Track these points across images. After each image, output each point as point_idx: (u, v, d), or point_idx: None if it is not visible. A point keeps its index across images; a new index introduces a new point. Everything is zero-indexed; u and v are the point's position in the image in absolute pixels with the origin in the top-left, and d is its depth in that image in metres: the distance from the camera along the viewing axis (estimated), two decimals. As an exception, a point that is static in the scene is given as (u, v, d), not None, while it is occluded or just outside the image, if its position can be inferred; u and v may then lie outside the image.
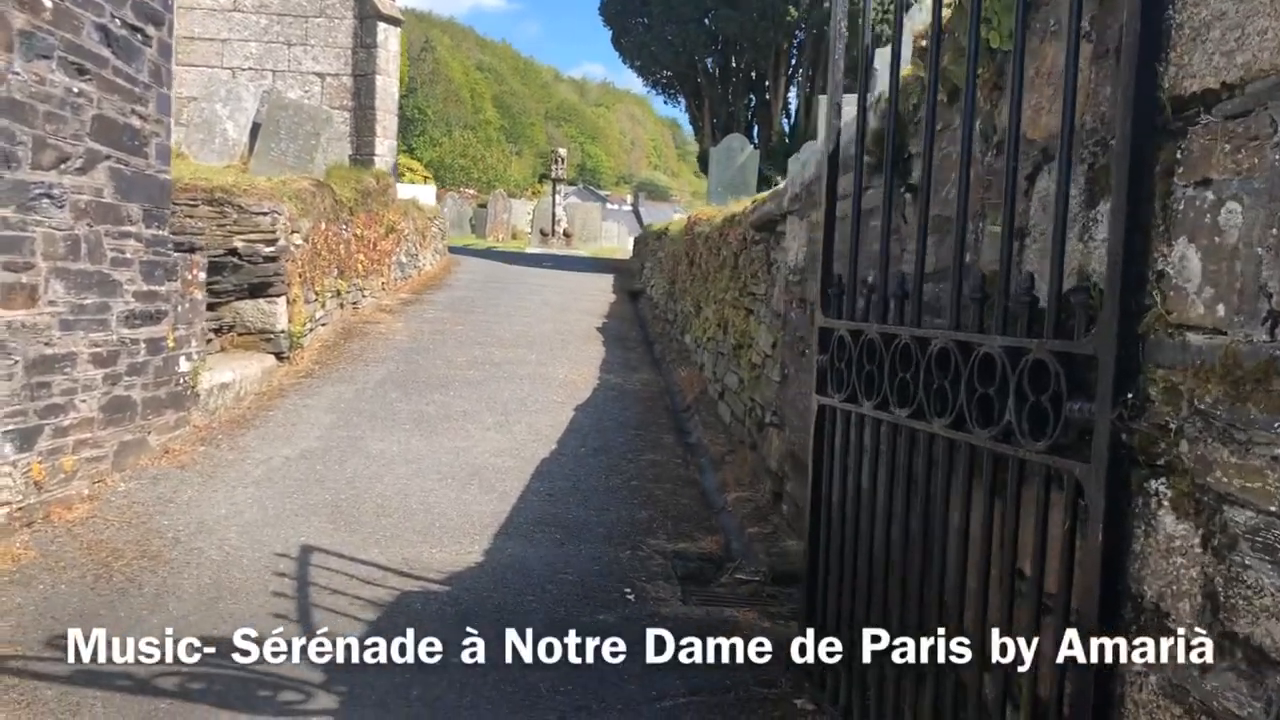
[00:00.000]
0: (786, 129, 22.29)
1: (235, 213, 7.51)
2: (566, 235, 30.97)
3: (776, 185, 20.24)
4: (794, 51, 21.95)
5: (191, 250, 5.82)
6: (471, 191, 57.63)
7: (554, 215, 30.73)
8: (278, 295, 7.67)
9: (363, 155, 21.24)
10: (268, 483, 4.97)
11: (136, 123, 4.98)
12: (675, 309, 11.61)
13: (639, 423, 6.94)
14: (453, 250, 21.10)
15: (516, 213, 38.72)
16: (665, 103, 24.80)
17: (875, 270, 2.91)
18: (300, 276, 8.34)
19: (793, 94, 22.36)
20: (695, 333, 9.32)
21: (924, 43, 3.13)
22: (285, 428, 6.09)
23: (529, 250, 29.67)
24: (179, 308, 5.65)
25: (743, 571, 4.29)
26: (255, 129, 15.86)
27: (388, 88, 21.36)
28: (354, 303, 10.72)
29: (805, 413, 4.68)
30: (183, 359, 5.70)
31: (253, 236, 7.55)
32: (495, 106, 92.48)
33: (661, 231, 15.57)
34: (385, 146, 21.69)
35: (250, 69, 20.61)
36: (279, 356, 7.73)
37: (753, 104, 22.58)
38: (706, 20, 21.11)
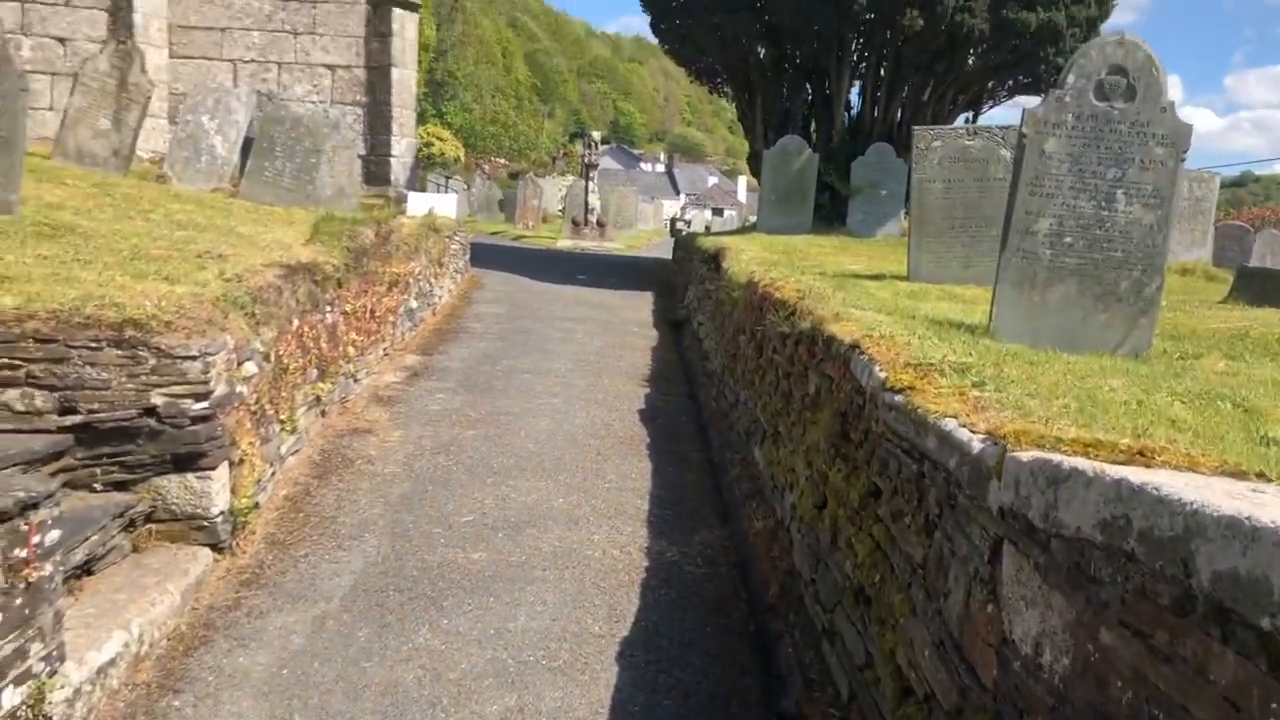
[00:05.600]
0: (848, 125, 19.78)
1: (153, 357, 5.40)
2: (600, 225, 29.04)
3: (840, 193, 17.66)
4: (856, 39, 19.43)
5: (32, 507, 3.73)
6: (503, 161, 56.28)
7: (586, 204, 28.88)
8: (212, 467, 5.58)
9: (377, 156, 19.15)
10: None
11: None
12: (736, 394, 9.42)
13: (709, 694, 4.80)
14: (476, 250, 18.91)
15: (547, 196, 36.98)
16: (710, 92, 22.30)
17: None
18: (254, 416, 6.25)
19: (855, 87, 19.83)
20: (772, 465, 7.14)
21: None
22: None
23: (560, 245, 27.83)
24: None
25: None
26: (249, 144, 13.79)
27: (405, 81, 19.07)
28: (342, 399, 8.64)
29: None
30: (8, 692, 3.63)
31: (177, 390, 5.44)
32: (527, 64, 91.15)
33: (711, 257, 13.36)
34: (402, 145, 19.54)
35: (253, 61, 18.46)
36: (216, 548, 5.67)
37: (810, 98, 20.05)
38: (758, 5, 18.67)
